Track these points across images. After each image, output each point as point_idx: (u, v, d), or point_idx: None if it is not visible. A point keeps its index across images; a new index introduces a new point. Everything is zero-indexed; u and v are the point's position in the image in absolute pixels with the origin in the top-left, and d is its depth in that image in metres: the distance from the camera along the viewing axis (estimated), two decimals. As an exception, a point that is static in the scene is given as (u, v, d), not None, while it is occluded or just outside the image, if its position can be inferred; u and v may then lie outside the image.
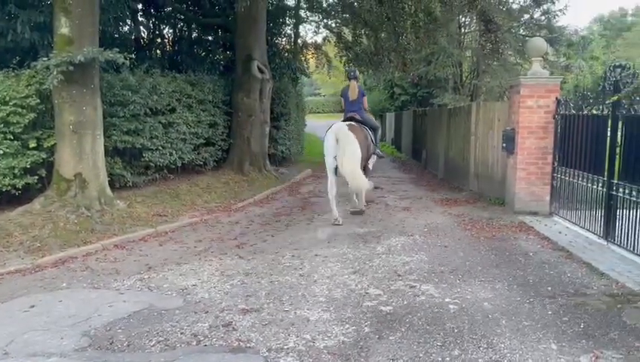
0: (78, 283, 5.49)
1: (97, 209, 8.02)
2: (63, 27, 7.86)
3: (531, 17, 17.16)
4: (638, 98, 6.24)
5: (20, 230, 7.05)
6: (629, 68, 6.97)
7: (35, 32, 9.29)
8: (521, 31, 17.06)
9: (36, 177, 8.18)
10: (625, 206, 6.38)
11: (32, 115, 8.05)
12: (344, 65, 18.64)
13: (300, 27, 18.94)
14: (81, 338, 4.10)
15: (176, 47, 14.57)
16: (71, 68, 7.46)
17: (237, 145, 12.87)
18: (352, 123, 8.83)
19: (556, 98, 8.59)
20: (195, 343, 4.02)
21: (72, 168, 8.03)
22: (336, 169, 8.42)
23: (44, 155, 8.18)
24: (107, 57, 7.72)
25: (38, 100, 8.07)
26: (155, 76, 10.30)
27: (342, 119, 9.36)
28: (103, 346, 3.97)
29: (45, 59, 7.75)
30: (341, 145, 8.23)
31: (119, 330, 4.26)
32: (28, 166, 8.02)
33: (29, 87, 8.02)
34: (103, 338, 4.10)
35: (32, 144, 8.07)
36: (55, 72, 7.44)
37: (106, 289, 5.32)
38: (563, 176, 8.25)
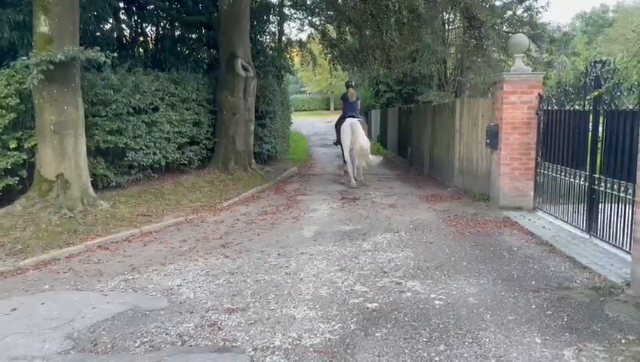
0: (60, 285, 5.43)
1: (80, 210, 7.94)
2: (43, 25, 7.75)
3: (514, 14, 17.27)
4: (618, 93, 6.32)
5: (0, 232, 6.95)
6: (610, 63, 7.05)
7: (14, 31, 9.13)
8: (505, 28, 17.15)
9: (17, 178, 8.08)
10: (607, 200, 6.46)
11: (12, 115, 7.95)
12: (329, 62, 18.64)
13: (285, 25, 18.90)
14: (64, 341, 4.06)
15: (159, 46, 14.42)
16: (51, 67, 7.37)
17: (222, 144, 12.81)
18: (360, 119, 12.52)
19: (539, 94, 8.68)
20: (180, 343, 4.00)
21: (53, 169, 7.94)
22: (351, 150, 11.97)
23: (25, 156, 8.07)
24: (88, 56, 7.63)
25: (18, 100, 7.97)
26: (138, 75, 10.20)
27: (342, 115, 13.05)
28: (87, 348, 3.93)
29: (25, 58, 7.66)
30: (355, 134, 11.77)
31: (103, 332, 4.22)
32: (8, 167, 7.92)
33: (9, 87, 7.91)
34: (87, 341, 4.06)
35: (13, 145, 7.97)
36: (35, 72, 7.34)
37: (89, 290, 5.27)
38: (546, 171, 8.34)
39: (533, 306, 4.68)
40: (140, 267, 6.03)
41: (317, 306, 4.72)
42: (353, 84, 13.92)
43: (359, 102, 13.49)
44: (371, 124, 27.96)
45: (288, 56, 19.07)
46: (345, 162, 12.76)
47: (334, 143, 14.71)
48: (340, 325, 4.30)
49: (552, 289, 5.12)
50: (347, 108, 12.88)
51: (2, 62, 8.42)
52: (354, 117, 12.33)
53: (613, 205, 6.28)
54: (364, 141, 11.84)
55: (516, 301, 4.82)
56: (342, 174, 13.84)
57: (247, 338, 4.06)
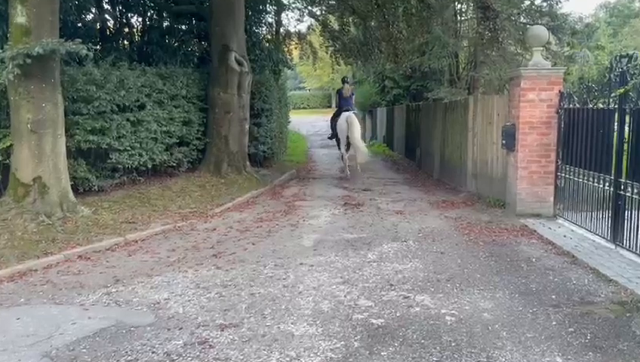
0: (37, 299, 5.42)
1: (59, 216, 7.94)
2: (19, 16, 7.77)
3: (532, 4, 17.28)
4: (646, 90, 6.33)
5: (-28, 240, 6.96)
6: (637, 58, 7.07)
7: (-12, 22, 9.18)
8: (522, 18, 17.16)
9: (-10, 182, 8.09)
10: (634, 206, 6.46)
11: (-14, 113, 7.97)
12: (330, 56, 18.68)
13: (282, 15, 18.96)
14: (40, 359, 4.05)
15: (145, 38, 14.47)
16: (28, 61, 7.36)
17: (214, 145, 12.83)
18: (355, 112, 14.60)
19: (559, 91, 8.69)
20: (167, 363, 4.00)
21: (30, 171, 7.94)
22: (347, 144, 14.15)
23: (-1, 157, 8.09)
24: (69, 49, 7.64)
25: (-8, 97, 7.99)
26: (123, 69, 10.22)
27: (337, 110, 14.99)
28: (66, 368, 3.93)
29: (0, 51, 7.66)
30: (351, 127, 13.73)
31: (84, 350, 4.21)
32: (-19, 169, 7.93)
33: (-18, 82, 7.93)
34: (66, 359, 4.05)
35: (-14, 145, 7.99)
36: (11, 66, 7.34)
37: (69, 304, 5.26)
38: (568, 175, 8.34)
39: (554, 322, 4.68)
40: (124, 279, 6.02)
41: (317, 322, 4.71)
42: (349, 80, 16.04)
43: (354, 97, 15.55)
44: (376, 123, 28.01)
45: (286, 49, 19.11)
46: (342, 156, 15.04)
47: (329, 138, 16.47)
48: (342, 343, 4.30)
49: (574, 304, 5.12)
50: (342, 103, 14.79)
51: (-25, 55, 8.45)
52: (349, 110, 14.31)
53: (640, 212, 6.28)
54: (358, 138, 13.97)
55: (535, 317, 4.81)
56: (343, 177, 14.89)
57: (241, 357, 4.05)
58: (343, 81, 15.53)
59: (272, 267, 6.40)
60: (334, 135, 15.09)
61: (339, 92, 15.31)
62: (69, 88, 9.03)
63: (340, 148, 14.83)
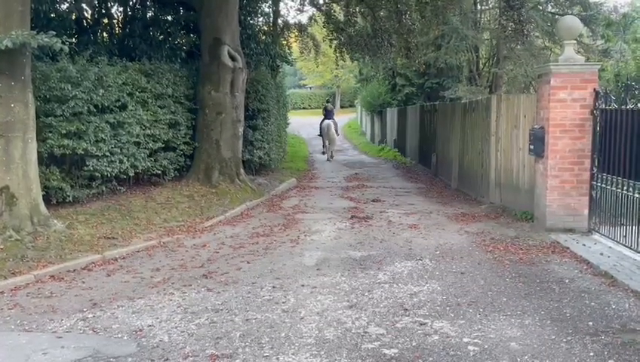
0: (4, 325, 5.40)
1: (29, 231, 7.93)
2: (-15, 5, 7.80)
3: (561, -9, 17.37)
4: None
5: None
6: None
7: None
8: (550, 8, 17.25)
9: (-48, 192, 8.08)
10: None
11: (-53, 115, 7.97)
12: (334, 50, 18.71)
13: (281, 4, 19.06)
14: (7, 396, 4.03)
15: (127, 30, 14.50)
16: (-5, 55, 7.41)
17: (203, 150, 12.83)
18: (333, 120, 23.60)
19: (594, 89, 8.68)
20: (151, 399, 3.97)
21: (-4, 180, 7.94)
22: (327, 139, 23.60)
23: (-39, 164, 8.08)
24: (41, 42, 7.65)
25: (-45, 96, 7.99)
26: (102, 65, 10.24)
27: (324, 118, 24.03)
28: (36, 405, 3.90)
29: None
30: (330, 130, 22.88)
31: (56, 384, 4.19)
32: (-59, 178, 7.92)
33: (-57, 80, 7.94)
34: (36, 395, 4.03)
35: (-53, 151, 7.98)
36: (-25, 61, 7.37)
37: (39, 331, 5.24)
38: (604, 185, 8.31)
39: (591, 353, 4.64)
40: (102, 302, 6.00)
41: (322, 352, 4.69)
42: (331, 101, 30.57)
43: (334, 111, 28.48)
44: (386, 125, 28.08)
45: (285, 42, 19.16)
46: (324, 151, 23.75)
47: (318, 135, 24.62)
48: (350, 376, 4.27)
49: (615, 331, 5.08)
50: (327, 115, 24.20)
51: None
52: (329, 118, 23.65)
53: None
54: (333, 134, 22.88)
55: (570, 347, 4.78)
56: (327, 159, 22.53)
57: (236, 393, 4.02)
58: (327, 101, 29.87)
59: (270, 289, 6.38)
60: (321, 133, 23.94)
61: (325, 109, 25.29)
62: (41, 86, 9.04)
63: (323, 141, 23.96)
